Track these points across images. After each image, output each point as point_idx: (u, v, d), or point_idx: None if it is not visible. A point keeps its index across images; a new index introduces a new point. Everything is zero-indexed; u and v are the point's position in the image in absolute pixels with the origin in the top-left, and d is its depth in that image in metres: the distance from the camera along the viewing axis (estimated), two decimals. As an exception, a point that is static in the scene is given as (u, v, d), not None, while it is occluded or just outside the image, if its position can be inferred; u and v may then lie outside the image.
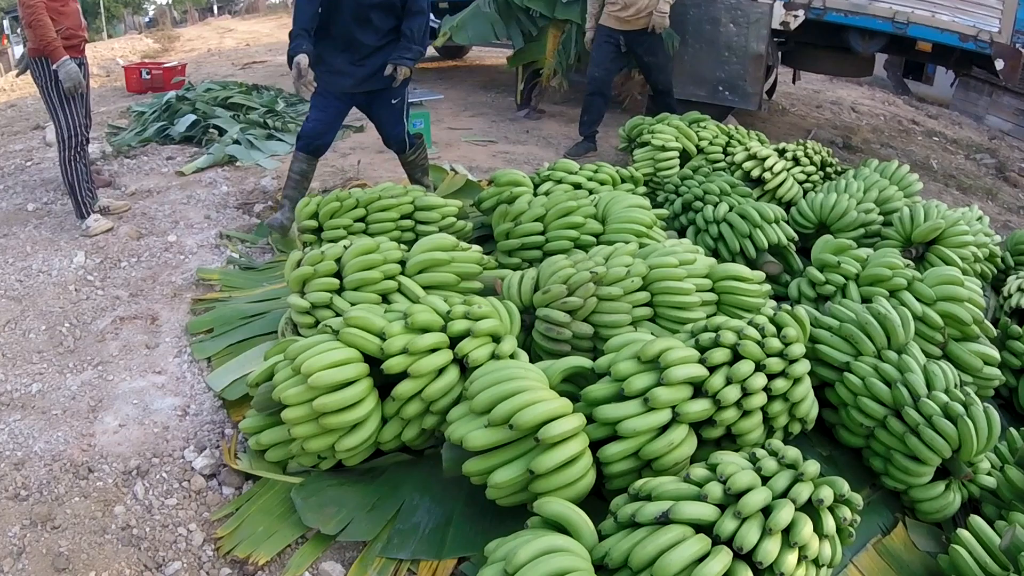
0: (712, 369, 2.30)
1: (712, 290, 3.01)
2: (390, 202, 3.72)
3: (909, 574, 2.29)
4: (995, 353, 3.00)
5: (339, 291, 3.04)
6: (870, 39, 6.73)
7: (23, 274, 4.18)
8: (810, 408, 2.49)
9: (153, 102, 7.62)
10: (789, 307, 2.71)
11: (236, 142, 6.34)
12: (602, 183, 4.22)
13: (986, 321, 3.11)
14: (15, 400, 3.13)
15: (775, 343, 2.41)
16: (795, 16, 6.62)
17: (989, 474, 2.55)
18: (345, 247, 3.14)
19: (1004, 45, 6.09)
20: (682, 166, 4.93)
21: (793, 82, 9.16)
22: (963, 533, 2.19)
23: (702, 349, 2.38)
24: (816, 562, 1.88)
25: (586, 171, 4.27)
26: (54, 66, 4.23)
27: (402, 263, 3.13)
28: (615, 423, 2.15)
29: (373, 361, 2.47)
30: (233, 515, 2.52)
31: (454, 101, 8.49)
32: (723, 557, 1.70)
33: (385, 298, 3.03)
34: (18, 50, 19.70)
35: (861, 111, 10.08)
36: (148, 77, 9.13)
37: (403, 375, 2.40)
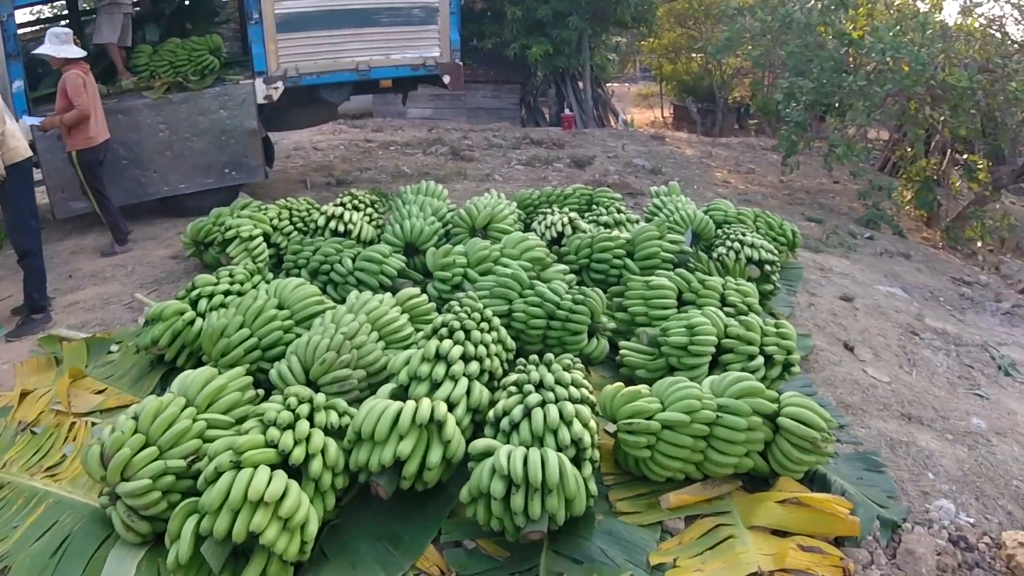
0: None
1: (404, 312, 4.69)
2: None
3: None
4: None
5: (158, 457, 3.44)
6: (341, 89, 8.88)
7: None
8: (507, 338, 4.38)
9: None
10: (459, 295, 4.55)
11: None
12: (242, 283, 5.44)
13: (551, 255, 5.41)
14: None
15: (476, 314, 4.22)
16: (276, 88, 8.37)
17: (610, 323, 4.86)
18: (135, 417, 3.61)
19: (447, 63, 8.86)
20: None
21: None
22: (622, 350, 4.49)
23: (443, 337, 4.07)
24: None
25: (224, 279, 5.38)
26: None
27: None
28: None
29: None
30: None
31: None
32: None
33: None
34: None
35: (321, 148, 12.30)
36: None
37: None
